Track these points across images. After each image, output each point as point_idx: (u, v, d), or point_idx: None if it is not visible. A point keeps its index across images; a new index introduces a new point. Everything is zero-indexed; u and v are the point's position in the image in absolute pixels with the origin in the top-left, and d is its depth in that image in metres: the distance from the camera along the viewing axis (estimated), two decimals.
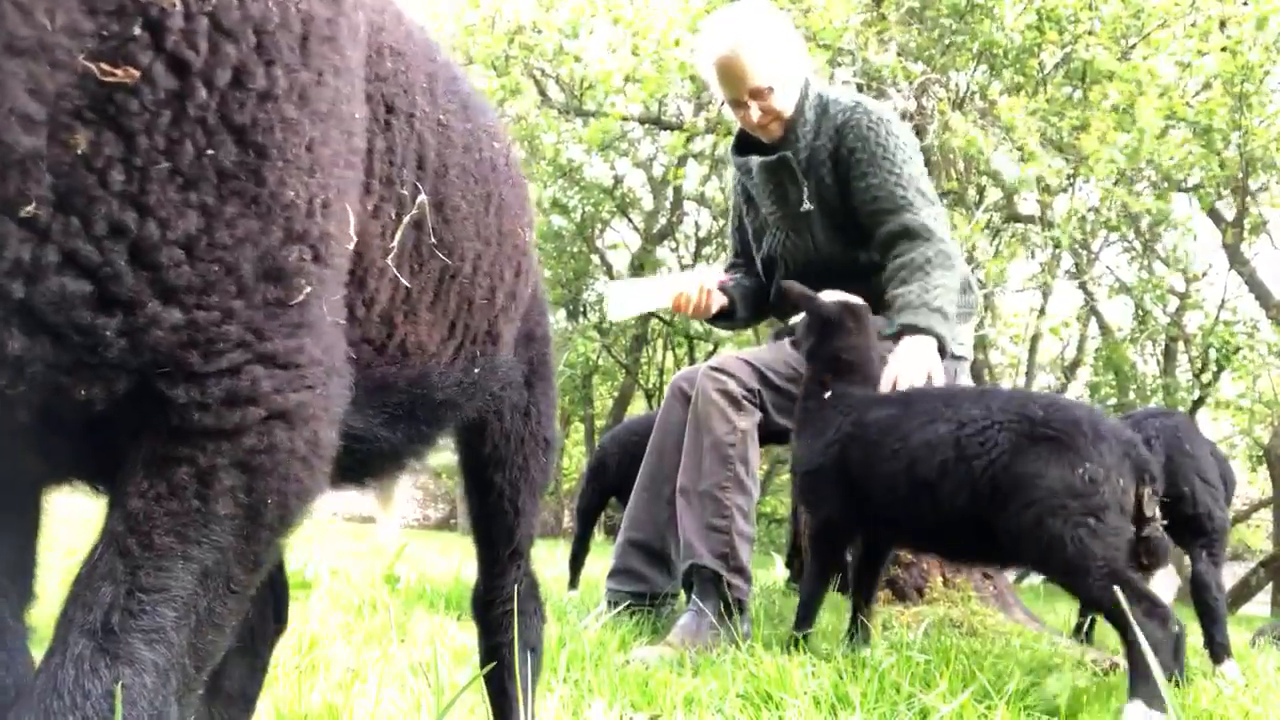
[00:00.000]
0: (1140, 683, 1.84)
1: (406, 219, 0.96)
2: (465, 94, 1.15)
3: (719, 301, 3.23)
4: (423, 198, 0.98)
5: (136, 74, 0.63)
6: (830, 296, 2.76)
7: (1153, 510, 2.10)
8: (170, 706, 0.68)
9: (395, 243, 0.95)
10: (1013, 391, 2.56)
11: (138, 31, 0.63)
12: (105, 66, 0.62)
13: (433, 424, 1.19)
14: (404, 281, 0.98)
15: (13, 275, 0.62)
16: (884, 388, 2.68)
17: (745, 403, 3.01)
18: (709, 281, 3.20)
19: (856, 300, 2.77)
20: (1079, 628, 3.42)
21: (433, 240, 1.01)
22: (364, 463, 1.14)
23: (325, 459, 0.79)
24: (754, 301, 3.44)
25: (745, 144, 3.30)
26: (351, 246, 0.83)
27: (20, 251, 0.62)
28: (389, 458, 1.18)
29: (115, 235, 0.65)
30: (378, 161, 0.92)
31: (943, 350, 2.84)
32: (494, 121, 1.25)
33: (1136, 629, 1.85)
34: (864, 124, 2.98)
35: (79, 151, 0.62)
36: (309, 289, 0.75)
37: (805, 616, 2.59)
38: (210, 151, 0.68)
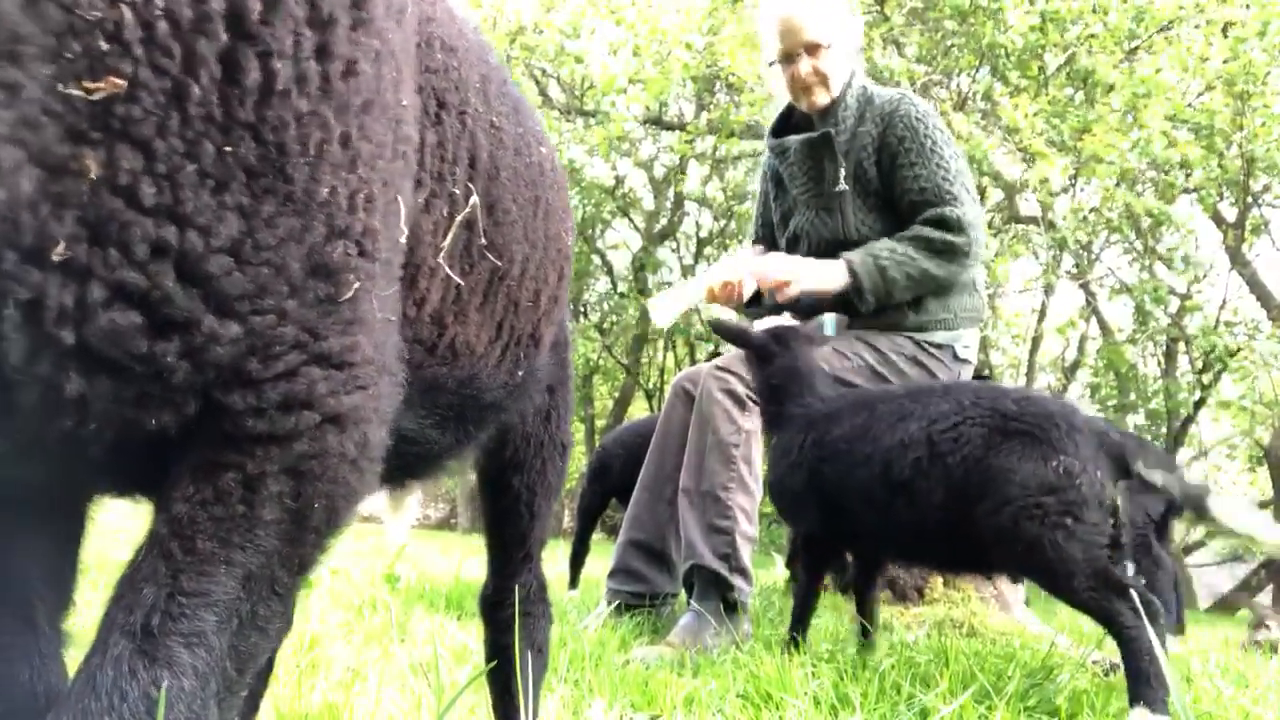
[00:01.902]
0: (1142, 687, 1.80)
1: (459, 218, 0.95)
2: (516, 98, 1.15)
3: (751, 287, 3.15)
4: (475, 198, 0.97)
5: (123, 82, 0.60)
6: (762, 325, 2.79)
7: (1125, 504, 2.03)
8: (210, 710, 0.68)
9: (447, 242, 0.94)
10: (983, 385, 2.53)
11: (104, 45, 0.60)
12: (87, 85, 0.59)
13: (479, 426, 1.19)
14: (456, 280, 0.96)
15: (61, 322, 0.60)
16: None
17: (750, 402, 3.00)
18: (741, 269, 3.13)
19: (783, 324, 2.80)
20: None
21: (483, 241, 1.00)
22: (411, 465, 1.13)
23: (374, 460, 0.78)
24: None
25: (783, 128, 3.35)
26: (403, 239, 0.81)
27: (63, 298, 0.59)
28: (433, 460, 1.18)
29: (158, 255, 0.62)
30: (429, 156, 0.90)
31: (852, 308, 2.91)
32: (540, 126, 1.25)
33: (1131, 632, 1.83)
34: (913, 115, 3.04)
35: (93, 176, 0.60)
36: (358, 284, 0.73)
37: (799, 621, 2.60)
38: (230, 149, 0.65)
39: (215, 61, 0.64)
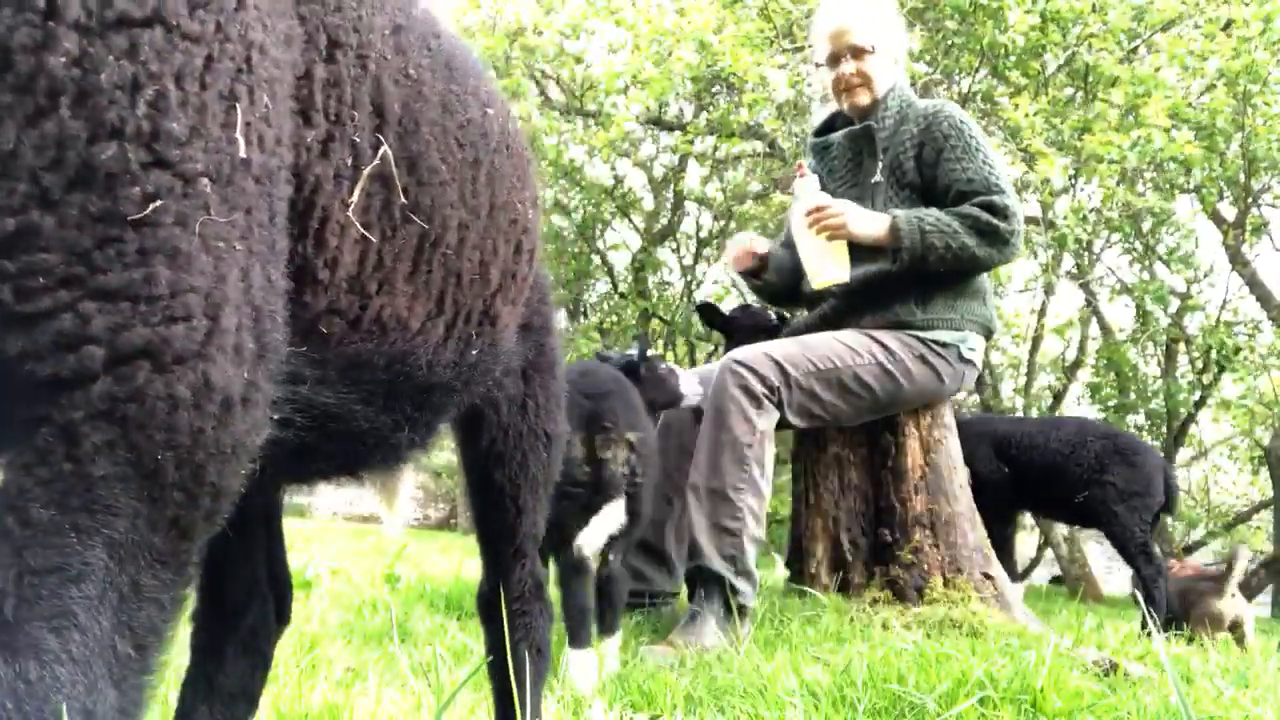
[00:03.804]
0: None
1: (367, 170, 0.88)
2: (448, 53, 1.07)
3: (761, 248, 3.45)
4: (386, 149, 0.89)
5: None
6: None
7: (605, 453, 2.32)
8: (100, 695, 0.61)
9: (355, 196, 0.86)
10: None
11: None
12: None
13: (423, 409, 1.12)
14: (371, 238, 0.89)
15: None
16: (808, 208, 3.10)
17: (765, 401, 3.00)
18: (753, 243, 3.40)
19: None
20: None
21: (404, 201, 0.92)
22: (350, 447, 1.07)
23: (226, 404, 0.68)
24: (785, 273, 3.58)
25: (826, 131, 3.59)
26: (244, 151, 0.70)
27: None
28: (378, 444, 1.10)
29: None
30: (319, 91, 0.84)
31: (894, 252, 3.07)
32: (489, 89, 1.17)
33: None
34: (956, 117, 3.24)
35: None
36: (159, 203, 0.63)
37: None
38: None
39: None
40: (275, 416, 0.76)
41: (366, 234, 0.88)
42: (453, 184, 1.01)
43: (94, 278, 0.61)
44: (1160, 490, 4.65)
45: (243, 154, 0.70)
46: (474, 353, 1.13)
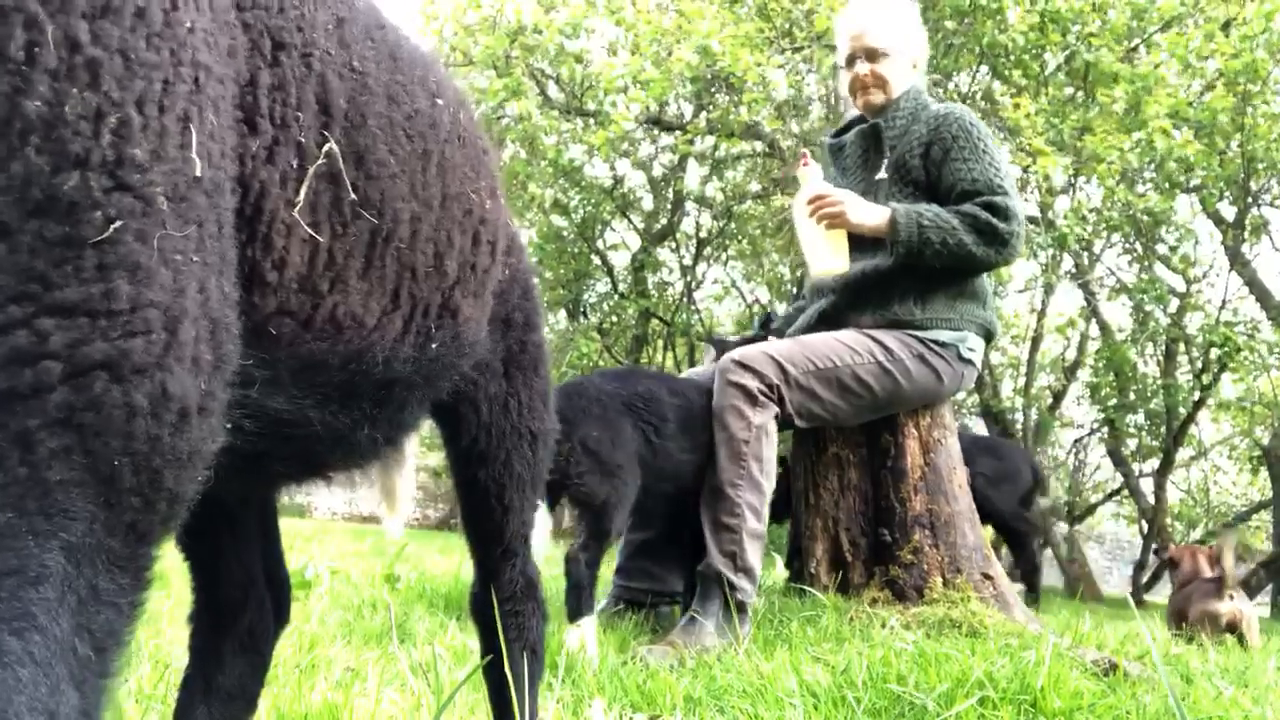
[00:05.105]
0: None
1: (312, 169, 0.87)
2: (393, 44, 1.06)
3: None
4: (331, 146, 0.89)
5: None
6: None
7: None
8: (62, 696, 0.61)
9: (301, 195, 0.86)
10: None
11: None
12: None
13: (384, 405, 1.10)
14: (317, 237, 0.88)
15: None
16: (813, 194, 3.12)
17: (761, 397, 3.01)
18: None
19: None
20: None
21: (354, 197, 0.92)
22: (311, 450, 1.06)
23: (183, 412, 0.68)
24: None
25: (842, 134, 3.66)
26: (200, 170, 0.71)
27: None
28: (342, 445, 1.09)
29: None
30: (264, 97, 0.84)
31: (891, 244, 3.11)
32: (439, 79, 1.15)
33: None
34: (966, 119, 3.27)
35: None
36: (119, 223, 0.64)
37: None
38: None
39: None
40: (229, 424, 0.76)
41: (314, 234, 0.88)
42: (402, 176, 1.01)
43: (50, 294, 0.61)
44: (1027, 475, 5.85)
45: (197, 172, 0.71)
46: (434, 346, 1.12)
